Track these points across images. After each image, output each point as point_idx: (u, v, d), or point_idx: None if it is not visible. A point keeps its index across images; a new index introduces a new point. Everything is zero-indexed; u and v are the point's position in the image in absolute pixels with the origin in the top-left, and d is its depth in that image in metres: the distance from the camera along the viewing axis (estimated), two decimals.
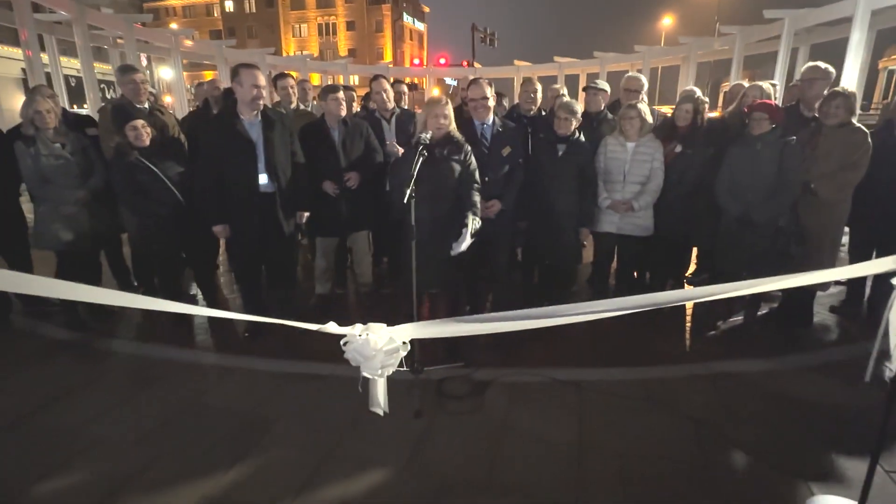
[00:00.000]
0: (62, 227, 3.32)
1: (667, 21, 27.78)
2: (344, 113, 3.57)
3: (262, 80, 3.01)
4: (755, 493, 2.09)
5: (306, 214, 3.50)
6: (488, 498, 2.05)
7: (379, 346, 1.55)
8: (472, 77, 3.81)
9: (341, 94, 3.53)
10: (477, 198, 2.96)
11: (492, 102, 3.33)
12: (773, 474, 2.18)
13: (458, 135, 2.98)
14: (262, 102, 3.07)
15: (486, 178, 3.20)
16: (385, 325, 1.61)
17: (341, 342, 1.59)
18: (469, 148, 3.00)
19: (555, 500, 2.04)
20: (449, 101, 2.97)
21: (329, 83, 4.64)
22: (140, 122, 3.26)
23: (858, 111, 3.40)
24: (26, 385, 2.91)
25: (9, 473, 2.18)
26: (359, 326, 1.59)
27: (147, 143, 3.29)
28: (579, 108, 3.48)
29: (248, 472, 2.19)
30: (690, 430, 2.47)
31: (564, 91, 4.36)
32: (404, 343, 1.60)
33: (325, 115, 3.59)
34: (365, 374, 1.58)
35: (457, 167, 2.93)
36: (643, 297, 1.68)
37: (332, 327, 1.61)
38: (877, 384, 1.75)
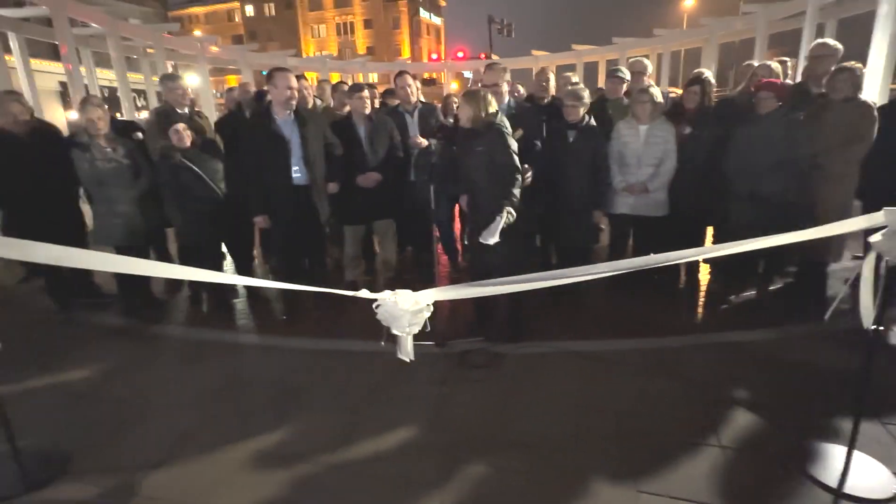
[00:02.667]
0: (119, 224, 3.69)
1: (688, 2, 27.23)
2: (368, 111, 3.85)
3: (295, 83, 3.36)
4: (750, 442, 2.26)
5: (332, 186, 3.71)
6: (501, 449, 2.29)
7: (406, 307, 1.80)
8: (488, 62, 4.05)
9: (366, 93, 3.83)
10: (515, 189, 2.93)
11: (505, 88, 3.58)
12: (770, 427, 2.35)
13: (483, 125, 2.99)
14: (294, 102, 3.39)
15: None
16: (411, 290, 1.87)
17: (373, 305, 1.84)
18: (505, 138, 2.98)
19: (558, 449, 2.28)
20: (475, 92, 3.05)
21: (351, 82, 4.92)
22: (182, 126, 3.60)
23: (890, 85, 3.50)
24: (88, 363, 3.26)
25: (86, 431, 2.54)
26: (388, 292, 1.85)
27: (188, 144, 3.63)
28: (586, 94, 3.65)
29: (293, 431, 2.49)
30: (688, 392, 2.66)
31: (576, 79, 4.53)
32: (428, 305, 1.85)
33: (352, 113, 3.87)
34: (394, 331, 1.83)
35: (485, 157, 3.00)
36: (639, 259, 1.89)
37: (364, 293, 1.88)
38: (834, 324, 1.91)
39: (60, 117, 16.59)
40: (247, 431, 2.48)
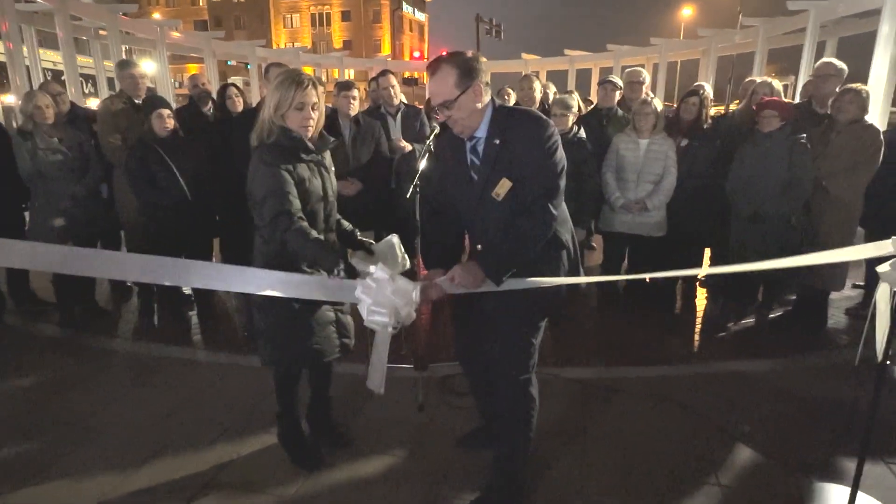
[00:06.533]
0: (57, 221, 3.57)
1: (686, 12, 28.24)
2: (354, 112, 3.81)
3: None
4: (750, 480, 2.30)
5: None
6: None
7: (388, 275, 1.76)
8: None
9: (355, 93, 3.79)
10: None
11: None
12: (770, 464, 2.40)
13: None
14: None
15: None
16: None
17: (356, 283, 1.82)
18: None
19: (550, 480, 2.28)
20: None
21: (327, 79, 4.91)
22: (166, 112, 3.53)
23: (891, 108, 3.64)
24: (23, 379, 3.14)
25: (16, 456, 2.43)
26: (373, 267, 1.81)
27: (169, 131, 3.55)
28: (574, 102, 3.73)
29: (255, 459, 2.42)
30: (692, 423, 2.70)
31: (570, 87, 4.63)
32: (415, 285, 1.80)
33: (338, 112, 3.84)
34: (374, 320, 1.77)
35: None
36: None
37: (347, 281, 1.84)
38: (865, 368, 1.97)
39: None
40: (209, 452, 2.43)
